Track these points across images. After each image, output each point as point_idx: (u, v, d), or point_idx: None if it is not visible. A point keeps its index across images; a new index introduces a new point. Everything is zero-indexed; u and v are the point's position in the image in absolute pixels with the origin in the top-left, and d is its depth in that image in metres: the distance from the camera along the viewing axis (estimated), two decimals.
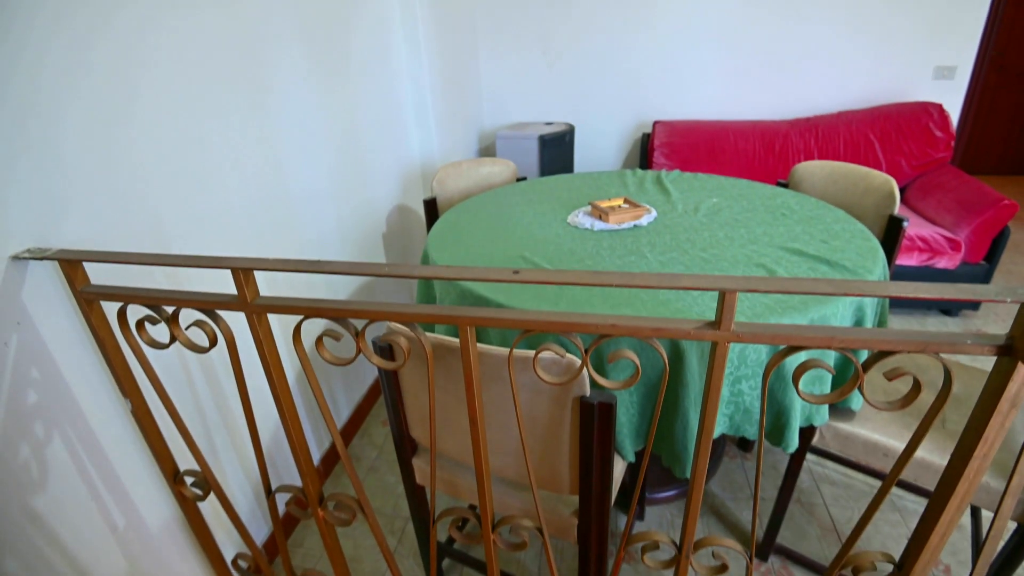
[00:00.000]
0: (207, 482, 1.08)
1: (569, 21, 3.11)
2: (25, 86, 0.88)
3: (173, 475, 1.11)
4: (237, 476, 1.48)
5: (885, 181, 1.69)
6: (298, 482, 1.70)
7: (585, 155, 3.36)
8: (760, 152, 2.86)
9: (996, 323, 2.62)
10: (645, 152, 3.11)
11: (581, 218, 1.58)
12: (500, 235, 1.53)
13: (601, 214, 1.56)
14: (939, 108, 2.83)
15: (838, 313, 1.08)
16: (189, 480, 1.12)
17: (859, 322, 1.18)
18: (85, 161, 0.99)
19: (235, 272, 0.77)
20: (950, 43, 2.92)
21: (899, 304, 2.68)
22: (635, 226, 1.52)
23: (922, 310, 2.73)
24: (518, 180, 2.22)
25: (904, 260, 2.46)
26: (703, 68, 3.10)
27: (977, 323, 2.64)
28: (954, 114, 3.05)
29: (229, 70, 1.37)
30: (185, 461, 1.16)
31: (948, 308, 2.69)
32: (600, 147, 3.36)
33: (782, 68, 3.04)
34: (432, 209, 2.03)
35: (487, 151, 3.31)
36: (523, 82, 3.29)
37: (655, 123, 3.03)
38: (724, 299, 0.62)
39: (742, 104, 3.13)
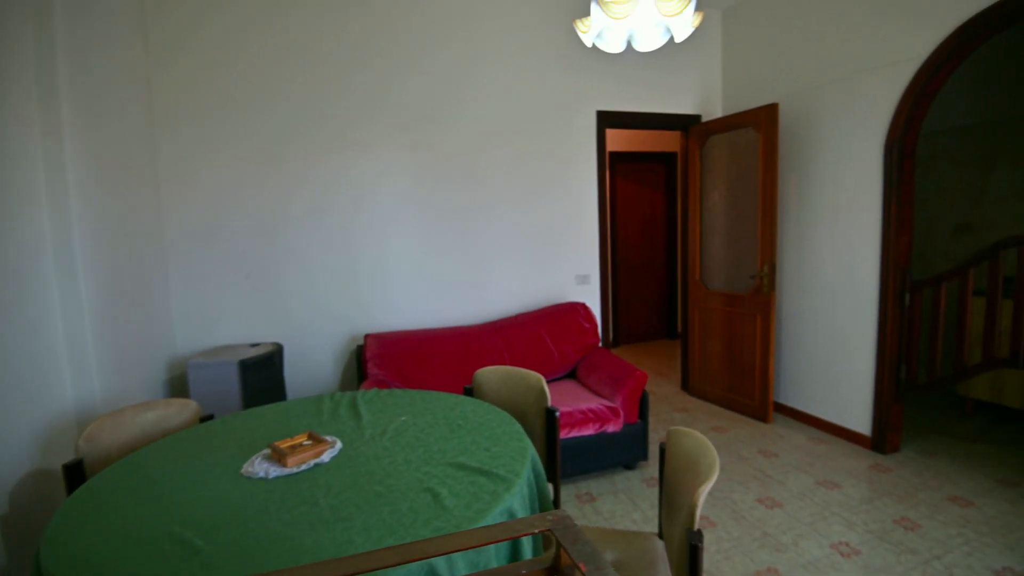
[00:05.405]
0: None
1: (268, 243, 3.22)
2: None
3: None
4: None
5: (537, 380, 2.05)
6: None
7: (299, 375, 3.27)
8: (460, 354, 3.24)
9: None
10: (361, 364, 3.20)
11: (257, 466, 1.47)
12: (153, 504, 1.31)
13: (280, 457, 1.49)
14: (583, 306, 3.71)
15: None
16: None
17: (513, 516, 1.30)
18: None
19: None
20: (583, 258, 4.00)
21: (591, 468, 3.10)
22: (316, 465, 1.48)
23: (611, 467, 3.21)
24: (203, 420, 2.00)
25: (584, 431, 2.93)
26: (405, 286, 3.51)
27: (650, 471, 3.22)
28: (596, 307, 4.06)
29: None
30: None
31: (629, 463, 3.23)
32: (315, 364, 3.33)
33: (468, 282, 3.66)
34: (77, 475, 1.64)
35: (179, 382, 2.96)
36: (224, 302, 3.16)
37: (366, 336, 3.20)
38: None
39: (442, 314, 3.58)
